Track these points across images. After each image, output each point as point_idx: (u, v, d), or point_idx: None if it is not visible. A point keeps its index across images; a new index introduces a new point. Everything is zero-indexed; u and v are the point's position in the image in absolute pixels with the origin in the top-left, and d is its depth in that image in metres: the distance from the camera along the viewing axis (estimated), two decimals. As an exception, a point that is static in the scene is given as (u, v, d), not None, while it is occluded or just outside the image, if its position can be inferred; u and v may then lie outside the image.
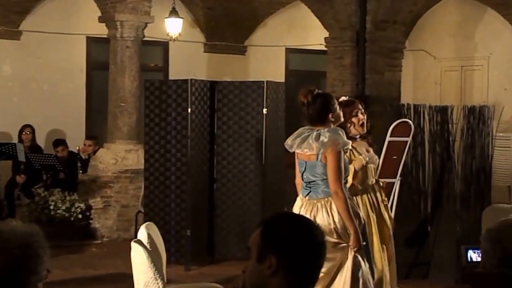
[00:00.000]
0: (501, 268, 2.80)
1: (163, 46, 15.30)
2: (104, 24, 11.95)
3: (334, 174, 5.87)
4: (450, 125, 9.30)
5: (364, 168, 6.76)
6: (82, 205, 11.18)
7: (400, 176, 8.56)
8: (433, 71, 15.10)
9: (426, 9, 14.74)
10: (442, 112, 9.30)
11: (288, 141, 6.25)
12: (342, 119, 6.34)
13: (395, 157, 8.44)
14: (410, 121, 8.77)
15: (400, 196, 8.61)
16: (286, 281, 2.64)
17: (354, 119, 6.79)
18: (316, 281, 2.71)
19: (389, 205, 8.62)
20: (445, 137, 9.27)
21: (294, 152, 6.60)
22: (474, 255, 3.75)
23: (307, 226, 2.73)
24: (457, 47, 14.74)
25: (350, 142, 6.29)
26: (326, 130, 6.00)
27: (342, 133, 6.04)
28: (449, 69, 14.86)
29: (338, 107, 6.26)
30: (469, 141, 9.27)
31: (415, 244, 8.84)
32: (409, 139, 8.47)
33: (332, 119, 6.13)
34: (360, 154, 6.74)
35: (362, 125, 6.83)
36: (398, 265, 8.80)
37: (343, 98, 6.94)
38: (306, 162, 6.12)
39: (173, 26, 13.95)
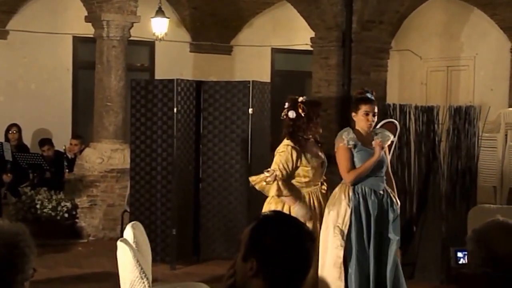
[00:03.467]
0: (486, 268, 2.82)
1: (149, 45, 15.29)
2: (90, 23, 11.93)
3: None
4: (436, 125, 9.32)
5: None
6: (68, 204, 11.17)
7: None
8: (419, 71, 15.15)
9: (412, 9, 14.79)
10: (428, 112, 9.33)
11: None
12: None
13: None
14: (396, 121, 8.81)
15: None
16: (266, 285, 2.66)
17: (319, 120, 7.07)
18: (301, 284, 2.72)
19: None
20: (431, 137, 9.30)
21: None
22: (462, 257, 3.75)
23: (294, 231, 2.72)
24: (443, 47, 14.80)
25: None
26: None
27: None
28: (435, 69, 14.91)
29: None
30: (455, 142, 9.30)
31: (400, 245, 8.85)
32: (394, 139, 8.50)
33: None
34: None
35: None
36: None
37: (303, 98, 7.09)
38: None
39: (159, 26, 13.94)
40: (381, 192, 6.74)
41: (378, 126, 8.39)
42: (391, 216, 6.73)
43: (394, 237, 6.72)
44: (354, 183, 6.69)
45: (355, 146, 6.70)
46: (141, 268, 5.54)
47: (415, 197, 9.38)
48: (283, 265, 2.66)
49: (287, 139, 6.95)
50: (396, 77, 15.12)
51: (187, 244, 9.82)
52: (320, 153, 7.11)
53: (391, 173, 7.02)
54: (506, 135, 12.52)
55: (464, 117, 9.27)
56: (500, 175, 12.40)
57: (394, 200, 6.82)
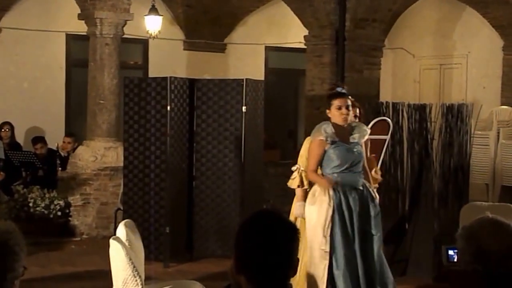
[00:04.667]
0: (475, 265, 2.83)
1: (143, 43, 15.28)
2: (83, 21, 11.91)
3: None
4: (428, 123, 9.33)
5: None
6: (61, 202, 11.16)
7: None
8: (412, 69, 15.19)
9: (405, 8, 14.82)
10: (421, 110, 9.34)
11: None
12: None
13: (373, 155, 8.49)
14: (389, 119, 8.82)
15: (378, 194, 8.66)
16: (248, 281, 2.69)
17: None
18: (284, 279, 2.74)
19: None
20: (423, 135, 9.32)
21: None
22: (454, 255, 3.76)
23: (268, 227, 2.74)
24: (436, 45, 14.83)
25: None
26: None
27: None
28: (428, 67, 14.95)
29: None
30: (447, 139, 9.32)
31: (393, 242, 8.88)
32: (387, 137, 8.53)
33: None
34: None
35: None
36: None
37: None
38: None
39: (153, 24, 13.93)
40: (361, 187, 6.72)
41: (370, 124, 8.42)
42: (372, 212, 6.71)
43: (376, 233, 6.71)
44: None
45: (333, 142, 6.65)
46: (134, 266, 5.54)
47: (408, 195, 9.40)
48: (256, 260, 2.68)
49: None
50: (389, 75, 15.15)
51: (180, 242, 9.82)
52: None
53: (367, 167, 6.95)
54: (498, 133, 12.58)
55: (456, 115, 9.28)
56: (492, 173, 12.45)
57: (374, 194, 6.81)
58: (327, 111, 6.78)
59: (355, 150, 6.72)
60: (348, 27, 13.69)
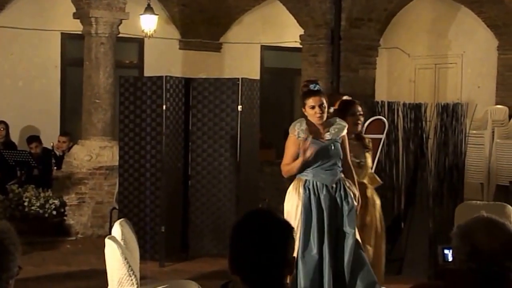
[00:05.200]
0: (470, 264, 2.84)
1: (138, 42, 15.28)
2: (78, 20, 11.90)
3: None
4: (423, 123, 9.36)
5: None
6: (56, 201, 11.14)
7: (374, 173, 8.63)
8: (407, 69, 15.20)
9: (401, 7, 14.84)
10: (416, 109, 9.36)
11: None
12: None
13: (369, 154, 8.52)
14: (384, 119, 8.84)
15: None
16: (243, 282, 2.71)
17: (349, 118, 6.95)
18: (279, 277, 2.74)
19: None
20: (418, 134, 9.34)
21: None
22: (449, 254, 3.77)
23: (254, 225, 2.75)
24: (431, 45, 14.85)
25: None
26: None
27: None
28: (423, 66, 14.96)
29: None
30: (442, 139, 9.34)
31: (388, 241, 8.86)
32: (383, 136, 8.55)
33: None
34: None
35: (356, 125, 7.08)
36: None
37: (346, 97, 7.06)
38: None
39: (148, 23, 13.93)
40: (333, 186, 6.58)
41: (366, 124, 8.43)
42: (345, 209, 6.56)
43: (349, 231, 6.55)
44: (290, 176, 6.69)
45: (305, 139, 6.50)
46: (129, 266, 5.54)
47: (403, 194, 9.42)
48: (251, 260, 2.69)
49: None
50: (384, 74, 15.16)
51: (176, 241, 9.83)
52: (361, 154, 7.01)
53: (351, 165, 6.80)
54: (493, 132, 12.60)
55: (451, 114, 9.31)
56: (487, 172, 12.48)
57: (350, 192, 6.63)
58: (303, 109, 6.69)
59: (331, 147, 6.60)
60: (343, 27, 13.71)
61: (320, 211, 6.52)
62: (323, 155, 6.57)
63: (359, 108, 7.07)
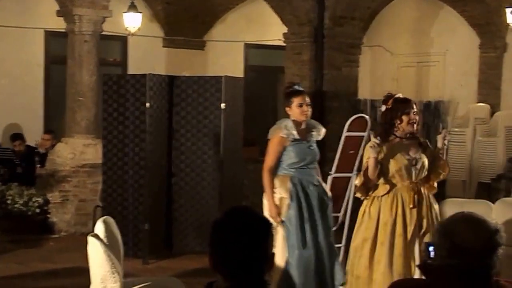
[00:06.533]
0: (451, 260, 2.86)
1: (122, 40, 15.26)
2: (62, 18, 11.89)
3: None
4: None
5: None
6: (40, 199, 11.13)
7: (357, 170, 8.67)
8: (390, 67, 15.26)
9: (384, 6, 14.89)
10: (398, 107, 9.39)
11: None
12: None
13: (352, 151, 8.56)
14: (367, 116, 8.87)
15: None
16: (224, 279, 2.74)
17: (404, 117, 6.37)
18: (258, 272, 2.76)
19: (346, 199, 8.75)
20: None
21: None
22: (433, 251, 3.80)
23: (241, 223, 2.77)
24: (414, 43, 14.91)
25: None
26: None
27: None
28: (406, 65, 15.02)
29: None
30: (424, 136, 9.38)
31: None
32: (365, 134, 8.58)
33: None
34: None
35: (411, 124, 6.40)
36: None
37: (399, 95, 6.67)
38: None
39: (132, 21, 13.92)
40: (317, 183, 6.89)
41: (349, 122, 8.48)
42: (325, 205, 6.90)
43: (331, 226, 6.99)
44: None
45: (293, 139, 6.76)
46: (112, 263, 5.56)
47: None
48: (231, 257, 2.72)
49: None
50: (367, 72, 15.20)
51: (159, 238, 9.84)
52: (414, 153, 6.41)
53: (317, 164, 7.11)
54: (475, 130, 12.67)
55: (433, 112, 9.35)
56: (469, 169, 12.54)
57: (327, 190, 7.06)
58: (287, 108, 6.87)
59: (312, 148, 6.88)
60: (327, 25, 13.74)
61: (310, 206, 6.74)
62: (307, 155, 6.82)
63: (414, 106, 6.45)
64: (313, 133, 6.91)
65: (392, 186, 6.33)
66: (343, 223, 8.74)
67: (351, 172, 8.64)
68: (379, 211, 6.32)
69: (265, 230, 2.78)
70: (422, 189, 6.36)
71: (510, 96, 13.44)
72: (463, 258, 2.84)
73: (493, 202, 8.27)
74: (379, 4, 14.58)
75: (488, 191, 11.85)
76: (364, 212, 6.42)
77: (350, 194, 8.68)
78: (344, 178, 8.67)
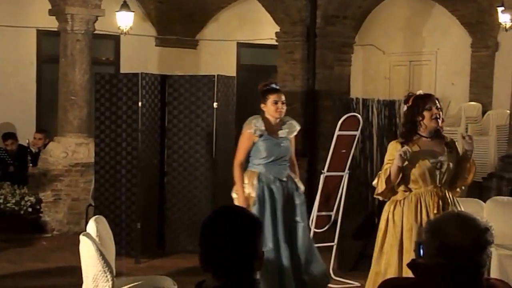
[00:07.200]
0: (439, 259, 2.88)
1: (114, 39, 15.26)
2: (54, 17, 11.87)
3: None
4: (397, 119, 9.42)
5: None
6: (32, 198, 11.12)
7: (349, 169, 8.70)
8: (382, 66, 15.30)
9: (376, 5, 14.93)
10: (390, 106, 9.42)
11: None
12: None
13: (344, 150, 8.58)
14: (359, 115, 8.89)
15: (348, 189, 8.75)
16: (214, 278, 2.76)
17: (426, 113, 5.95)
18: (247, 272, 2.78)
19: (338, 198, 8.77)
20: (392, 130, 9.39)
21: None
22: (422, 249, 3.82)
23: (230, 223, 2.78)
24: (406, 42, 14.95)
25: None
26: None
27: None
28: (398, 63, 15.06)
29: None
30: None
31: (362, 236, 8.95)
32: (357, 133, 8.60)
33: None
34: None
35: (435, 119, 5.97)
36: (345, 257, 8.95)
37: (420, 92, 6.15)
38: None
39: (124, 20, 13.92)
40: (285, 179, 7.03)
41: (341, 121, 8.49)
42: (297, 200, 7.05)
43: (301, 220, 7.05)
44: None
45: (261, 135, 6.99)
46: (104, 262, 5.56)
47: (378, 190, 9.45)
48: (221, 256, 2.73)
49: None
50: (360, 71, 15.24)
51: (152, 237, 9.84)
52: (438, 154, 5.98)
53: (295, 160, 7.30)
54: (466, 128, 12.70)
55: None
56: (461, 168, 12.53)
57: (299, 185, 7.14)
58: (262, 105, 7.14)
59: (282, 144, 7.06)
60: (319, 24, 13.76)
61: (273, 202, 6.91)
62: (276, 151, 7.02)
63: (436, 101, 6.02)
64: (284, 130, 7.10)
65: (410, 191, 5.97)
66: (335, 221, 8.76)
67: (343, 171, 8.66)
68: (402, 217, 5.96)
69: (255, 229, 2.80)
70: (447, 193, 6.00)
71: (502, 95, 13.47)
72: (452, 257, 2.84)
73: (484, 201, 8.28)
74: (371, 3, 14.61)
75: (480, 189, 11.87)
76: (388, 219, 6.06)
77: (342, 192, 8.70)
78: (336, 176, 8.69)
